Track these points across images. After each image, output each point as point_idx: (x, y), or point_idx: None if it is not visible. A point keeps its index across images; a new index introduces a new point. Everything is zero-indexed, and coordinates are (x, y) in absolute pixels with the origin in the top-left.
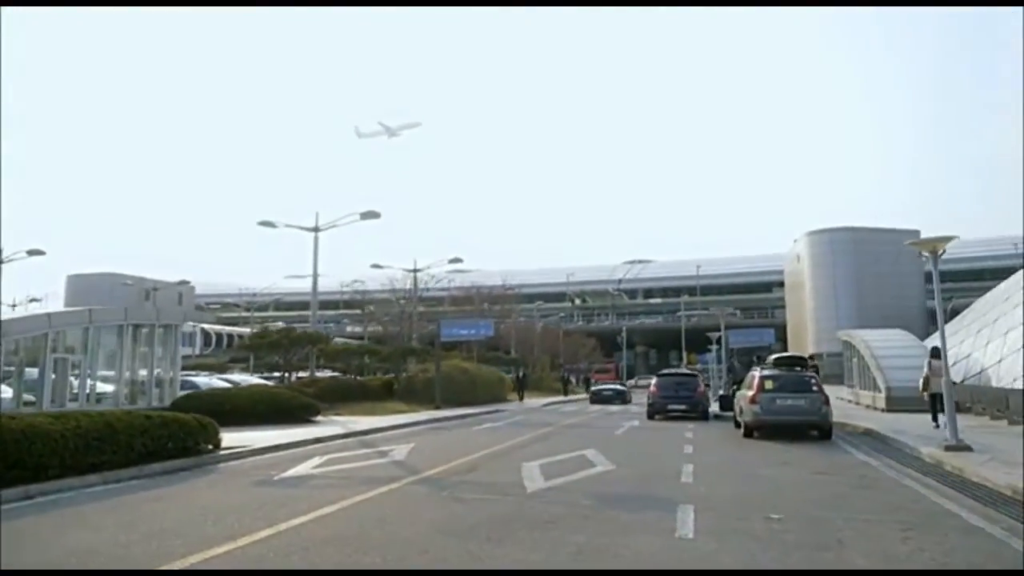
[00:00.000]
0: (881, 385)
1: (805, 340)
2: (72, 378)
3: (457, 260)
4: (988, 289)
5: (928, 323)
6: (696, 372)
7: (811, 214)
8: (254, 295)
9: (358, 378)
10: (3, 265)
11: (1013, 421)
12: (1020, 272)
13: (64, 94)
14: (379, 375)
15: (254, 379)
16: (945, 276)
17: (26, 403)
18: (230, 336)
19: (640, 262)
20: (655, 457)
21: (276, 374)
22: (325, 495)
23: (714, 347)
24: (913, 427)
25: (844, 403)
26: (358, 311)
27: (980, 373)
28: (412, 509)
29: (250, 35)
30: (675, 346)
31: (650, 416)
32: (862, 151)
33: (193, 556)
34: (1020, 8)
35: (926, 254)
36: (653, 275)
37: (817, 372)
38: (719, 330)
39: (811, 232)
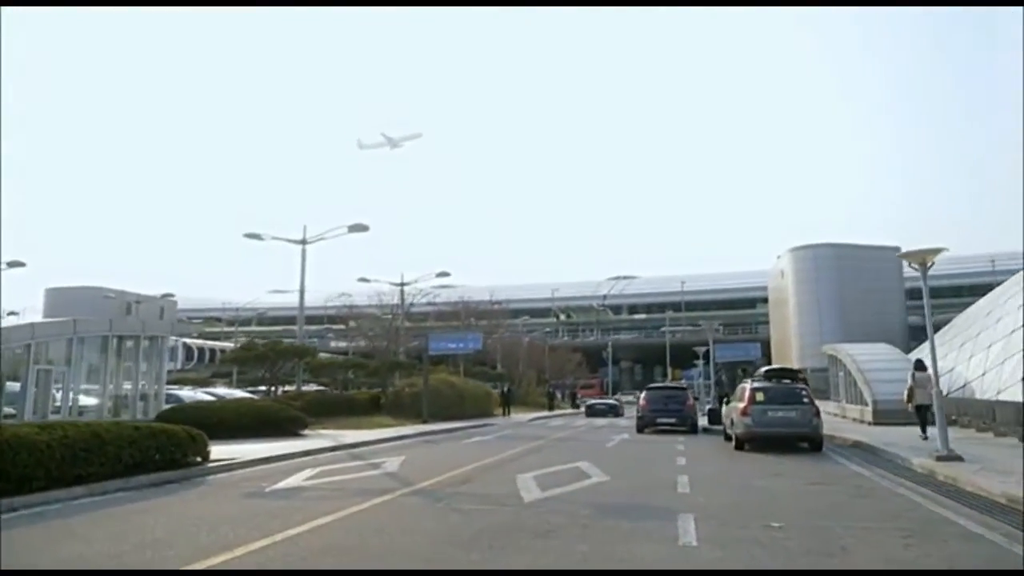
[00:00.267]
0: (868, 398)
1: (789, 356)
2: (54, 391)
3: (444, 274)
4: (967, 305)
5: (909, 339)
6: (685, 386)
7: (793, 231)
8: (237, 310)
9: (344, 392)
10: None
11: (1000, 433)
12: (999, 288)
13: (42, 102)
14: (364, 390)
15: (239, 393)
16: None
17: (6, 416)
18: (212, 351)
19: (625, 278)
20: (649, 468)
21: (261, 388)
22: (320, 506)
23: (700, 362)
24: (902, 439)
25: (831, 417)
26: (342, 326)
27: (964, 386)
28: (410, 520)
29: (240, 44)
30: (660, 361)
31: (639, 429)
32: (845, 167)
33: (188, 566)
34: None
35: (915, 266)
36: (638, 291)
37: (806, 384)
38: (703, 345)
39: (794, 248)
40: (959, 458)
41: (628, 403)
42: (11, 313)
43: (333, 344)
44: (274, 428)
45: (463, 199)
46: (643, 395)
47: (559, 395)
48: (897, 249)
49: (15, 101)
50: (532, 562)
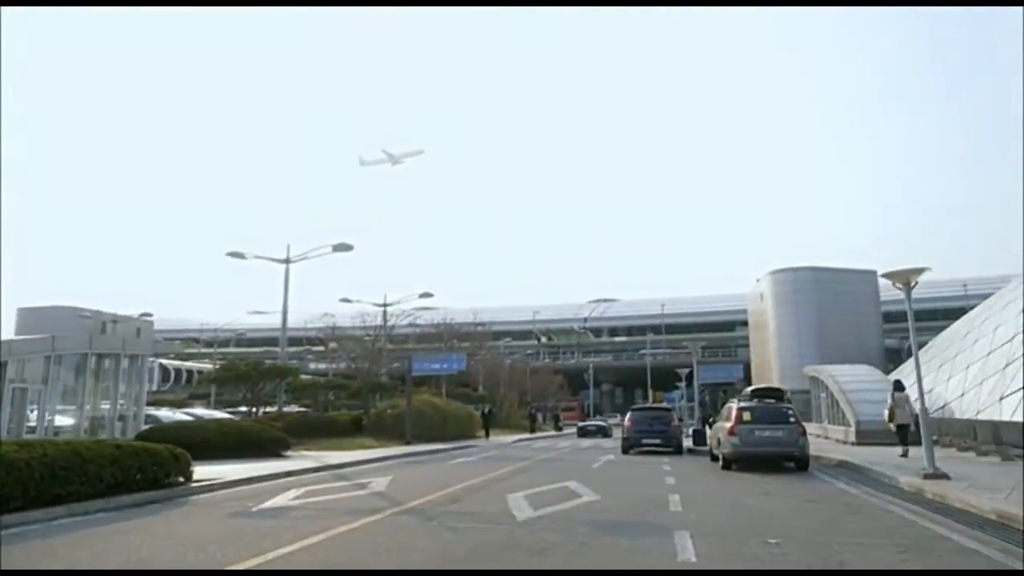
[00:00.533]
0: (851, 419)
1: (770, 378)
2: (29, 411)
3: (427, 295)
4: (941, 328)
5: (886, 362)
6: (670, 407)
7: (771, 255)
8: (215, 331)
9: (326, 414)
10: None
11: (981, 452)
12: (974, 311)
13: (13, 115)
14: (345, 411)
15: (218, 414)
16: (900, 316)
17: None
18: (189, 372)
19: (605, 301)
20: (639, 488)
21: (241, 409)
22: (309, 526)
23: (682, 384)
24: (886, 458)
25: (814, 438)
26: (322, 348)
27: (944, 407)
28: (403, 538)
29: (232, 57)
30: (640, 384)
31: (625, 451)
32: (823, 193)
33: None
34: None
35: (899, 285)
36: (618, 314)
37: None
38: (684, 368)
39: (774, 271)
40: (945, 476)
41: (614, 425)
42: None
43: (313, 366)
44: (256, 449)
45: (445, 220)
46: (628, 416)
47: (541, 417)
48: (873, 273)
49: None
50: None
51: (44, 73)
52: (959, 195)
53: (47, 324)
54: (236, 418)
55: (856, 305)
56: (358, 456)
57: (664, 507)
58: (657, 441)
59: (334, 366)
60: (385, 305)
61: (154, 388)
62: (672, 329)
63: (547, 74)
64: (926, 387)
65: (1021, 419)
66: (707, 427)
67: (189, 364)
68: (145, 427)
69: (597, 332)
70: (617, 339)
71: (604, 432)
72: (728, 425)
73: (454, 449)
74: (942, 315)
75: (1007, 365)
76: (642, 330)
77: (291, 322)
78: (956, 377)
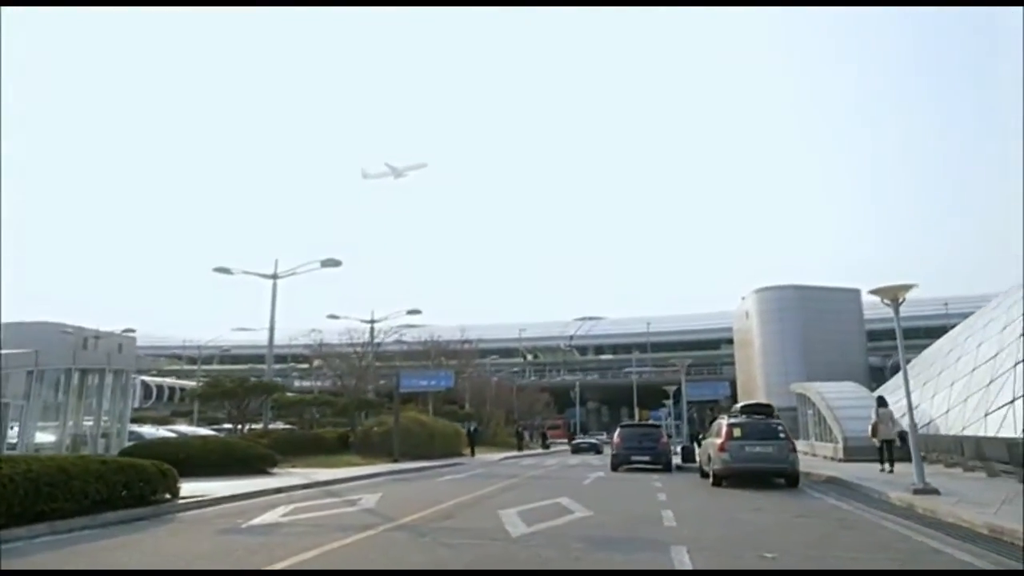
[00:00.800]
0: (838, 435)
1: (756, 395)
2: (9, 427)
3: (415, 311)
4: (923, 346)
5: (870, 379)
6: (659, 424)
7: (756, 273)
8: (199, 347)
9: (312, 431)
10: None
11: (968, 468)
12: (957, 328)
13: None
14: (331, 428)
15: (203, 431)
16: (883, 334)
17: None
18: (172, 389)
19: (591, 319)
20: (631, 504)
21: (226, 426)
22: (301, 542)
23: (669, 401)
24: (874, 475)
25: (801, 455)
26: (306, 365)
27: (929, 423)
28: (397, 554)
29: (224, 68)
30: (626, 402)
31: (614, 467)
32: (807, 212)
33: None
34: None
35: (887, 301)
36: (604, 331)
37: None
38: (671, 385)
39: (759, 289)
40: (935, 491)
41: (604, 443)
42: None
43: (298, 383)
44: (243, 466)
45: (432, 237)
46: (617, 433)
47: (527, 435)
48: (857, 291)
49: None
50: None
51: (22, 79)
52: (941, 214)
53: (27, 339)
54: (221, 435)
55: (840, 323)
56: (346, 473)
57: (658, 523)
58: (646, 458)
59: (319, 383)
60: (372, 321)
61: (136, 405)
62: (657, 347)
63: (534, 93)
64: (912, 403)
65: (1008, 435)
66: (696, 444)
67: (171, 381)
68: (128, 444)
69: (583, 350)
70: (603, 357)
71: (596, 449)
72: (719, 441)
73: (442, 466)
74: (924, 333)
75: (991, 382)
76: (628, 348)
77: (277, 339)
78: (941, 394)
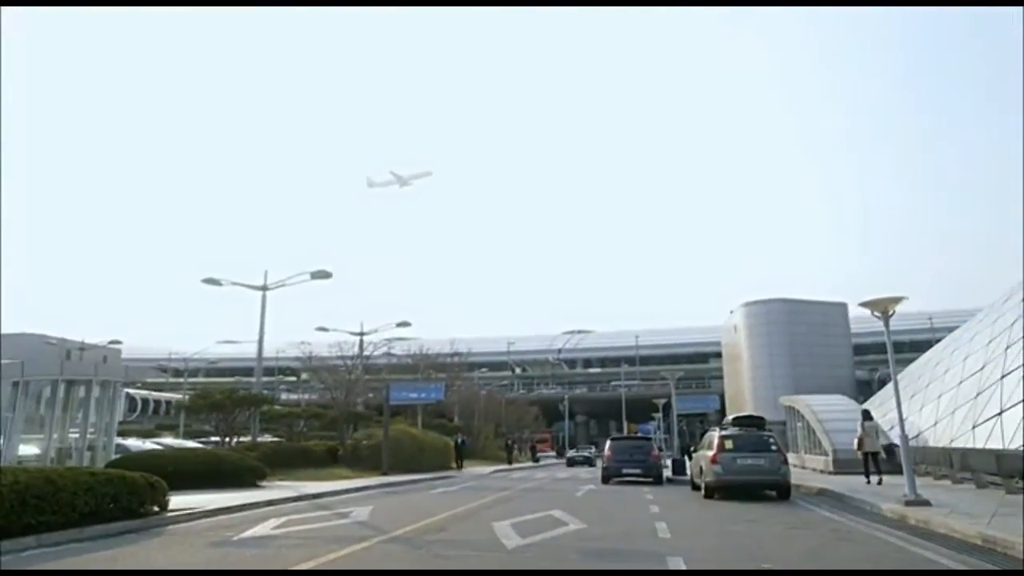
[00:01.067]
0: (827, 448)
1: (744, 409)
2: None
3: (405, 324)
4: (909, 360)
5: (858, 392)
6: (650, 437)
7: (743, 287)
8: (185, 360)
9: (301, 444)
10: None
11: (957, 480)
12: (943, 341)
13: None
14: (319, 441)
15: (189, 444)
16: (869, 348)
17: None
18: (157, 402)
19: (579, 332)
20: (624, 516)
21: (213, 439)
22: (295, 554)
23: (658, 415)
24: (865, 487)
25: (791, 467)
26: (294, 378)
27: (918, 435)
28: (392, 565)
29: (206, 76)
30: (614, 416)
31: (605, 480)
32: (797, 226)
33: None
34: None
35: (877, 314)
36: (592, 345)
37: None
38: (660, 399)
39: (747, 303)
40: (927, 503)
41: (596, 456)
42: None
43: (285, 396)
44: (231, 478)
45: (421, 249)
46: (608, 446)
47: (517, 448)
48: (844, 305)
49: None
50: None
51: (9, 83)
52: (928, 228)
53: (10, 351)
54: (209, 448)
55: (828, 337)
56: (336, 486)
57: (653, 534)
58: (637, 471)
59: (306, 397)
60: (362, 334)
61: (120, 418)
62: (646, 361)
63: (523, 105)
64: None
65: (996, 446)
66: (687, 457)
67: (156, 394)
68: (114, 457)
69: (571, 363)
70: (591, 370)
71: (590, 462)
72: (710, 454)
73: (433, 479)
74: (909, 347)
75: (978, 394)
76: (616, 361)
77: (264, 351)
78: (929, 406)
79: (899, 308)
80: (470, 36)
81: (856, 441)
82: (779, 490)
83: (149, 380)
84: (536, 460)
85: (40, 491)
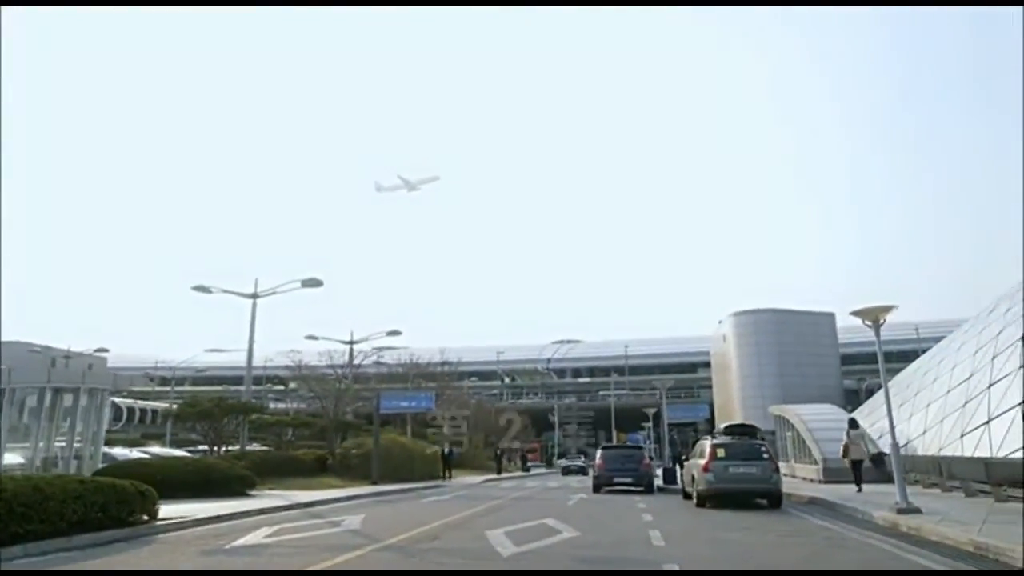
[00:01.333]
0: (817, 457)
1: (733, 418)
2: None
3: (395, 332)
4: (896, 370)
5: (845, 402)
6: (641, 445)
7: (732, 297)
8: (172, 369)
9: (290, 452)
10: None
11: (946, 488)
12: (931, 351)
13: None
14: (307, 450)
15: (176, 452)
16: (857, 358)
17: None
18: (143, 411)
19: (569, 342)
20: (617, 524)
21: (200, 448)
22: (288, 562)
23: (648, 424)
24: (855, 495)
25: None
26: (282, 387)
27: (907, 444)
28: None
29: (198, 79)
30: (603, 425)
31: (596, 489)
32: (785, 237)
33: None
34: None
35: (868, 323)
36: (582, 355)
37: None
38: (650, 408)
39: (736, 313)
40: (918, 510)
41: (587, 464)
42: None
43: (273, 405)
44: (220, 487)
45: (411, 258)
46: (599, 455)
47: (506, 458)
48: (832, 315)
49: None
50: None
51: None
52: (914, 239)
53: None
54: (197, 456)
55: (816, 347)
56: (326, 495)
57: (647, 542)
58: (629, 480)
59: (294, 406)
60: (351, 342)
61: (105, 427)
62: (635, 371)
63: (512, 114)
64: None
65: (984, 454)
66: (678, 466)
67: (142, 403)
68: (101, 466)
69: (561, 373)
70: (580, 380)
71: (584, 471)
72: (703, 462)
73: (423, 488)
74: (896, 357)
75: (966, 403)
76: (605, 371)
77: (253, 360)
78: (917, 415)
79: (886, 318)
80: (455, 50)
81: (841, 449)
82: (771, 499)
83: (136, 388)
84: (527, 470)
85: (28, 499)
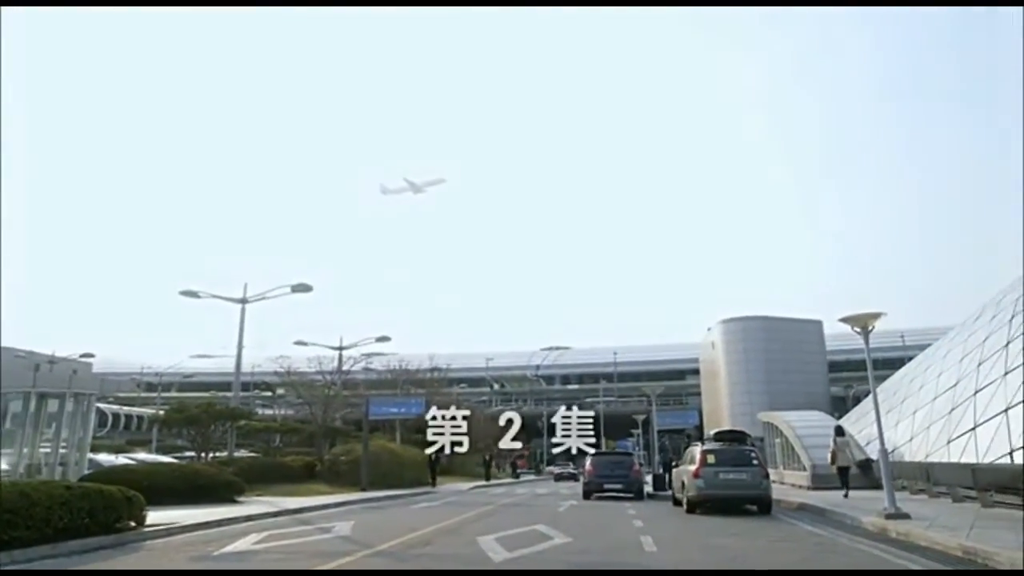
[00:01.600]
0: (806, 464)
1: (722, 425)
2: None
3: (385, 339)
4: (882, 377)
5: (832, 409)
6: (631, 452)
7: (720, 304)
8: (158, 374)
9: (278, 459)
10: None
11: (933, 494)
12: (918, 357)
13: None
14: (295, 456)
15: (163, 459)
16: (844, 366)
17: None
18: (128, 417)
19: (558, 348)
20: (608, 530)
21: (187, 455)
22: (278, 569)
23: (637, 431)
24: (844, 501)
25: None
26: (269, 393)
27: (894, 451)
28: None
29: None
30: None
31: (586, 495)
32: (774, 244)
33: None
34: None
35: (857, 329)
36: (571, 361)
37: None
38: (640, 415)
39: (725, 320)
40: (907, 516)
41: (579, 471)
42: None
43: (261, 412)
44: (208, 494)
45: (401, 264)
46: (589, 461)
47: (496, 465)
48: (819, 323)
49: None
50: None
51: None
52: (897, 249)
53: None
54: (184, 462)
55: (804, 354)
56: (315, 501)
57: (639, 548)
58: (619, 486)
59: (283, 412)
60: (341, 348)
61: (91, 433)
62: (623, 377)
63: (503, 117)
64: (876, 432)
65: (970, 460)
66: (666, 472)
67: (127, 408)
68: (87, 472)
69: (550, 380)
70: (569, 387)
71: (575, 477)
72: (693, 468)
73: (413, 495)
74: (882, 364)
75: (952, 410)
76: (594, 378)
77: (241, 366)
78: (904, 422)
79: (875, 325)
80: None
81: (829, 455)
82: (760, 504)
83: (122, 394)
84: (517, 476)
85: (13, 505)
